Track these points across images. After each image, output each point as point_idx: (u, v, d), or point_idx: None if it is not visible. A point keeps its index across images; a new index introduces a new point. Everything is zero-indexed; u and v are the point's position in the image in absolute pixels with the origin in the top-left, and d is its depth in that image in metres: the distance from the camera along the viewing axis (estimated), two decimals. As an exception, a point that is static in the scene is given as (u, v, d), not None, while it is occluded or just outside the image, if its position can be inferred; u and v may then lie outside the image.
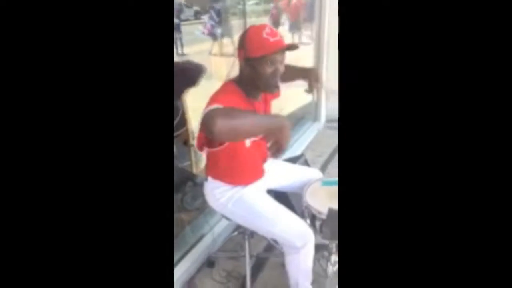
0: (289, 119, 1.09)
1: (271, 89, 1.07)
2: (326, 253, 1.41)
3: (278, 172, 1.36)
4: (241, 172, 1.18)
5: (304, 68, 1.32)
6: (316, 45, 2.77)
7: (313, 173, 1.42)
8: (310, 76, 1.24)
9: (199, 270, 1.56)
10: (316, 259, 1.50)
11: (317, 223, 1.24)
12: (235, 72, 1.15)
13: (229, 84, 1.11)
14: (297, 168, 1.45)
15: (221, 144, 1.08)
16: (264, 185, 1.28)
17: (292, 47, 1.03)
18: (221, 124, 0.81)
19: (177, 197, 1.76)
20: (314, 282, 1.33)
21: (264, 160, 1.27)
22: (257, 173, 1.23)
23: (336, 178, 1.44)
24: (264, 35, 0.99)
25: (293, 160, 1.65)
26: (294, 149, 2.52)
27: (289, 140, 0.89)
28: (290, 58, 1.11)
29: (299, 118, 3.00)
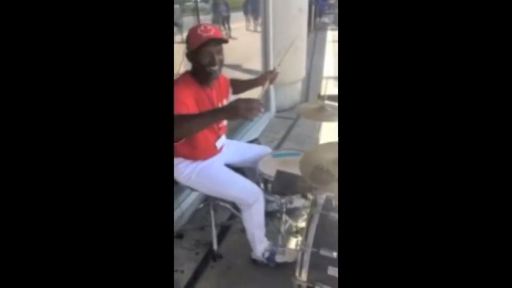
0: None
1: (212, 75, 1.28)
2: (278, 215, 1.70)
3: (234, 149, 1.62)
4: (198, 149, 1.40)
5: (251, 79, 1.64)
6: (263, 35, 3.05)
7: (263, 149, 1.70)
8: (258, 83, 1.57)
9: (170, 242, 1.76)
10: (271, 221, 1.79)
11: (269, 186, 1.52)
12: (185, 67, 1.38)
13: (185, 75, 1.33)
14: (250, 146, 1.72)
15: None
16: (221, 159, 1.52)
17: (223, 40, 1.26)
18: (177, 133, 1.05)
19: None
20: (270, 238, 1.61)
21: (217, 138, 1.49)
22: (214, 149, 1.47)
23: (284, 151, 1.74)
24: (199, 32, 1.22)
25: (249, 143, 1.92)
26: (249, 136, 2.79)
27: (253, 107, 1.01)
28: (242, 44, 1.35)
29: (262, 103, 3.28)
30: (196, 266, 1.62)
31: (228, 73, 1.67)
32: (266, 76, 1.54)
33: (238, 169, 1.62)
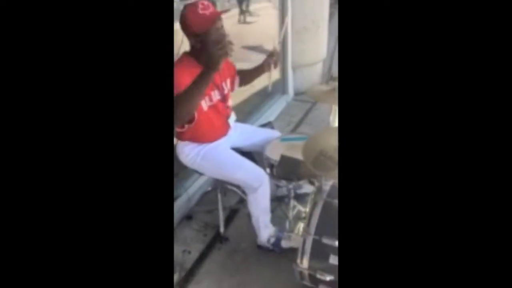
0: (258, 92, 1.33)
1: (225, 53, 1.20)
2: (286, 200, 1.67)
3: (242, 132, 1.59)
4: (204, 132, 1.38)
5: (255, 67, 1.54)
6: (280, 14, 2.93)
7: (272, 133, 1.66)
8: (263, 70, 1.46)
9: (179, 223, 1.79)
10: (279, 206, 1.77)
11: (274, 171, 1.49)
12: (184, 47, 1.32)
13: (185, 57, 1.27)
14: (259, 129, 1.68)
15: (190, 122, 1.30)
16: (228, 142, 1.50)
17: (224, 11, 1.21)
18: (180, 112, 1.08)
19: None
20: (276, 223, 1.59)
21: (226, 118, 1.45)
22: (219, 132, 1.44)
23: (293, 135, 1.69)
24: (200, 11, 1.15)
25: (261, 127, 1.88)
26: (264, 119, 2.75)
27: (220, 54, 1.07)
28: (265, 24, 1.30)
29: (269, 91, 3.21)
30: (203, 248, 1.64)
31: (249, 55, 1.60)
32: (268, 60, 1.45)
33: (247, 153, 1.60)
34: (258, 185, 1.35)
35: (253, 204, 1.42)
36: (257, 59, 1.52)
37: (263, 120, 2.67)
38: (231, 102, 1.49)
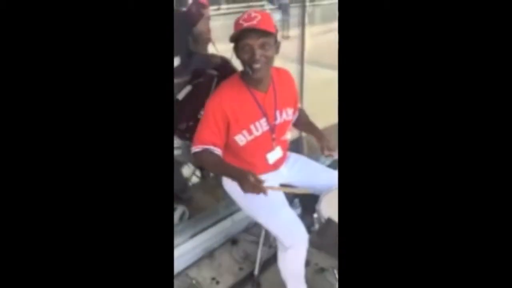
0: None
1: (254, 76, 1.02)
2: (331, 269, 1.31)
3: (300, 169, 1.31)
4: (244, 161, 1.18)
5: (314, 126, 1.31)
6: None
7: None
8: (319, 137, 1.22)
9: (221, 245, 1.66)
10: (324, 272, 1.42)
11: (315, 236, 1.16)
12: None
13: (234, 75, 1.14)
14: (324, 169, 1.35)
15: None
16: (277, 178, 1.25)
17: (266, 32, 0.96)
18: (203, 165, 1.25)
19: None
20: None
21: (269, 150, 1.20)
22: (260, 167, 1.20)
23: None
24: (240, 21, 0.97)
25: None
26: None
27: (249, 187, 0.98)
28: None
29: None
30: (232, 283, 1.47)
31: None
32: (323, 143, 1.20)
33: (315, 196, 1.31)
34: (289, 245, 1.08)
35: (282, 263, 1.15)
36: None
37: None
38: (288, 136, 1.24)
